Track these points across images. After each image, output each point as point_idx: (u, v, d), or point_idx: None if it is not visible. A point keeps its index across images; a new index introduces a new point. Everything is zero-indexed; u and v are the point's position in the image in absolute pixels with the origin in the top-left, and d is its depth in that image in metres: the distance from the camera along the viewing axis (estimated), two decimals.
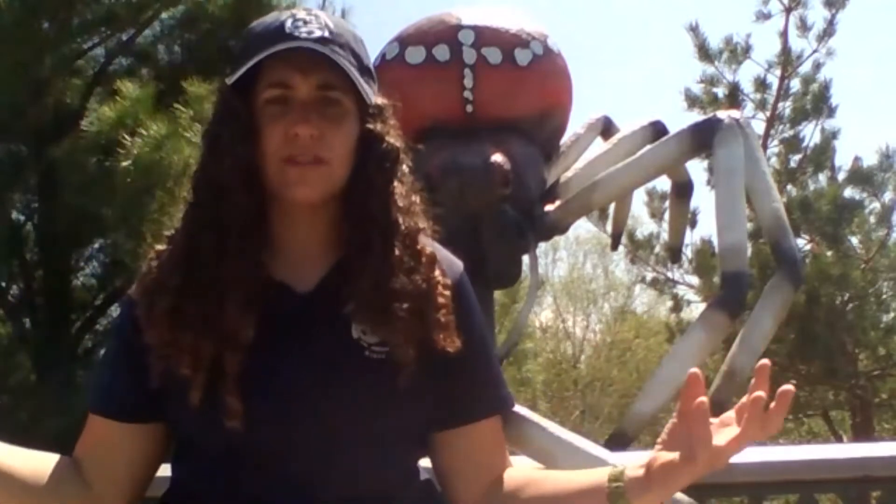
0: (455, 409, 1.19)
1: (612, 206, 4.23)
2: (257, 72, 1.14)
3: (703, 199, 10.18)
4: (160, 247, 1.19)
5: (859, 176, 8.89)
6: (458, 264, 1.26)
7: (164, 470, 1.19)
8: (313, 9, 1.20)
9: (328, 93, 1.14)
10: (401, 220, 1.18)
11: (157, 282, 1.14)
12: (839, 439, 10.07)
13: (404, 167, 1.23)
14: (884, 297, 8.72)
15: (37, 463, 1.14)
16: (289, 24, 1.14)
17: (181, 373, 1.08)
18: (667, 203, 6.84)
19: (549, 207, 2.92)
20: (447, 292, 1.18)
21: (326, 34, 1.14)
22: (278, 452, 1.09)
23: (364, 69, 1.18)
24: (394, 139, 1.22)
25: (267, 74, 1.14)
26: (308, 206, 1.16)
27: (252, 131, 1.13)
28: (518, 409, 1.93)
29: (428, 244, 1.21)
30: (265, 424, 1.07)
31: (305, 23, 1.14)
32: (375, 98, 1.21)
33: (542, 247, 7.10)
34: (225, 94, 1.17)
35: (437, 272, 1.19)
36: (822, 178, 9.28)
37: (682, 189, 3.60)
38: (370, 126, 1.19)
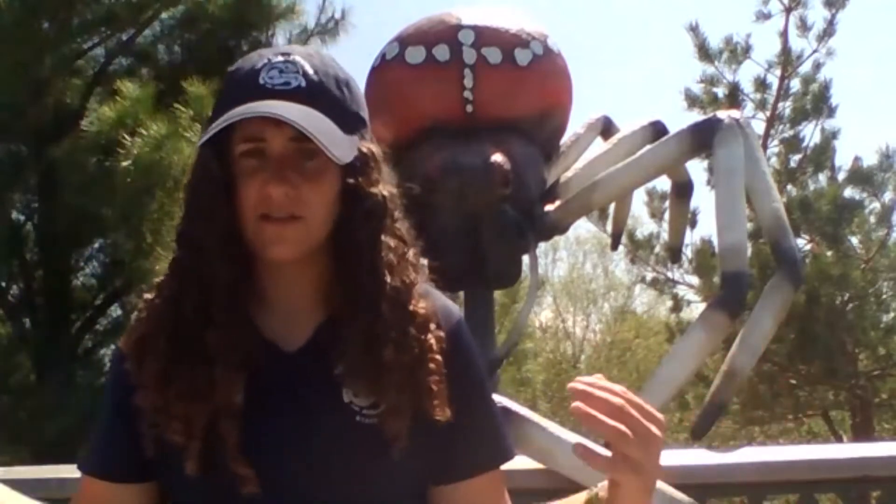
0: (453, 464, 1.14)
1: (612, 206, 4.23)
2: (230, 125, 1.07)
3: (703, 199, 10.17)
4: (149, 296, 1.15)
5: (859, 176, 8.88)
6: (455, 313, 1.20)
7: None
8: (294, 51, 1.11)
9: (304, 145, 1.05)
10: (389, 281, 1.11)
11: (145, 340, 1.10)
12: (839, 439, 10.07)
13: (395, 215, 1.16)
14: (884, 297, 8.71)
15: None
16: (263, 75, 1.07)
17: (174, 440, 1.04)
18: (667, 203, 6.84)
19: (549, 207, 2.92)
20: (438, 357, 1.11)
21: (303, 84, 1.07)
22: None
23: (349, 116, 1.11)
24: (380, 190, 1.14)
25: (241, 127, 1.07)
26: (289, 263, 1.11)
27: (229, 189, 1.08)
28: (518, 409, 1.94)
29: (422, 295, 1.15)
30: (272, 492, 1.04)
31: (281, 72, 1.07)
32: (363, 145, 1.13)
33: (542, 247, 7.10)
34: (200, 155, 1.12)
35: (429, 335, 1.12)
36: (822, 178, 9.27)
37: (682, 189, 3.60)
38: (351, 181, 1.11)
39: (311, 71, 1.09)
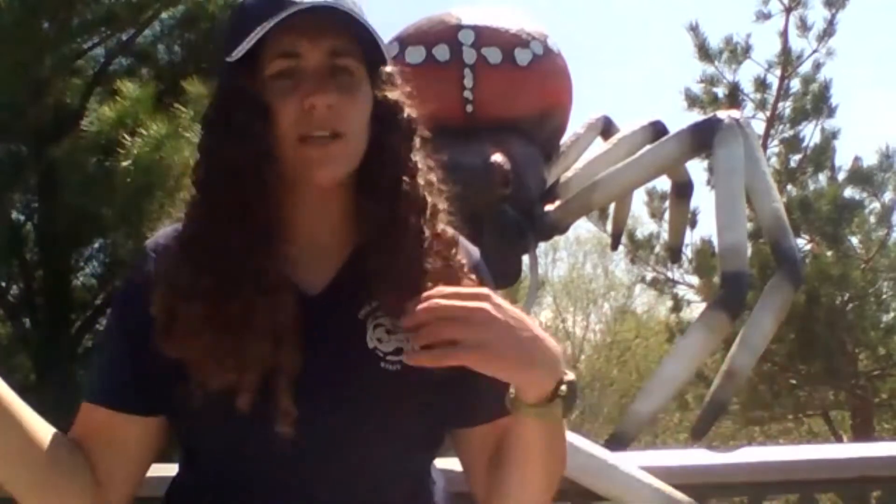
0: (477, 407, 1.12)
1: (612, 206, 4.23)
2: (258, 48, 1.03)
3: (703, 199, 10.18)
4: (153, 242, 1.10)
5: (859, 176, 8.89)
6: (476, 251, 1.20)
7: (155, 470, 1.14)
8: None
9: (339, 60, 1.04)
10: (427, 197, 1.10)
11: (177, 285, 1.03)
12: (839, 439, 10.07)
13: (418, 141, 1.13)
14: (884, 297, 8.71)
15: (53, 448, 1.02)
16: None
17: (225, 378, 0.99)
18: (667, 203, 6.84)
19: (549, 207, 2.92)
20: (473, 276, 1.12)
21: (330, 0, 1.04)
22: (319, 457, 1.04)
23: (375, 34, 1.07)
24: (410, 109, 1.13)
25: (271, 46, 1.03)
26: (328, 188, 1.07)
27: (264, 111, 1.03)
28: None
29: (447, 226, 1.14)
30: (307, 428, 1.01)
31: None
32: (388, 65, 1.12)
33: (542, 247, 7.10)
34: (230, 73, 1.06)
35: (460, 255, 1.13)
36: (822, 178, 9.28)
37: (682, 189, 3.60)
38: (387, 94, 1.10)
39: None
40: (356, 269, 1.08)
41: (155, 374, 1.04)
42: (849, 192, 8.89)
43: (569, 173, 3.16)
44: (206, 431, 1.06)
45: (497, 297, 0.98)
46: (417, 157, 1.12)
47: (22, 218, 7.36)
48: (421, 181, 1.11)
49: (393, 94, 1.11)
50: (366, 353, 1.06)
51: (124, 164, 5.21)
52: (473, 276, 1.13)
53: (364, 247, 1.09)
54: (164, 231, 1.14)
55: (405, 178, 1.09)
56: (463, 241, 1.18)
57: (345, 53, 1.05)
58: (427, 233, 1.09)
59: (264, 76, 1.05)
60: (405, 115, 1.12)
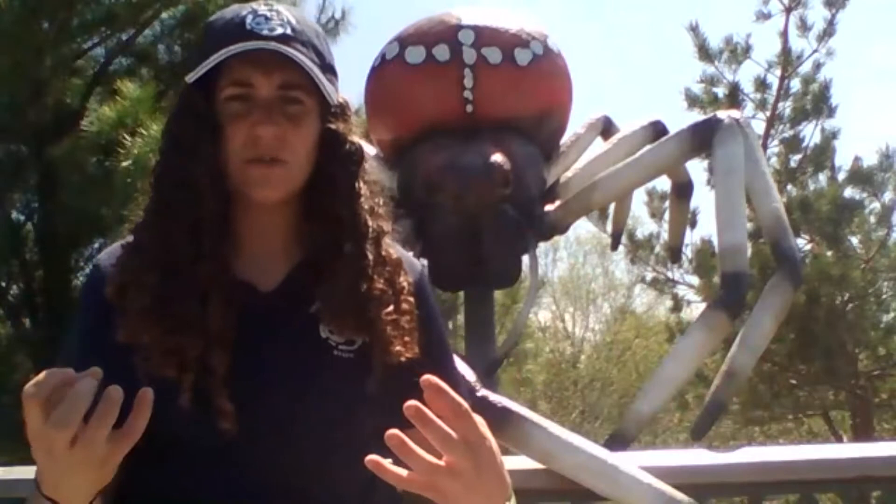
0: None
1: (612, 206, 4.23)
2: (218, 68, 1.12)
3: (703, 199, 10.18)
4: (123, 241, 1.17)
5: (859, 176, 8.89)
6: (417, 264, 1.27)
7: None
8: (274, 3, 1.17)
9: (290, 92, 1.13)
10: (368, 222, 1.18)
11: (134, 277, 1.11)
12: (839, 439, 10.07)
13: (366, 167, 1.22)
14: (884, 297, 8.72)
15: None
16: (249, 20, 1.12)
17: (165, 375, 1.04)
18: (667, 203, 6.84)
19: (549, 207, 2.92)
20: (411, 298, 1.19)
21: (289, 31, 1.13)
22: (266, 453, 1.07)
23: (326, 66, 1.17)
24: (356, 138, 1.21)
25: (228, 72, 1.13)
26: (270, 205, 1.15)
27: (215, 130, 1.13)
28: (518, 408, 1.94)
29: (391, 246, 1.21)
30: (254, 425, 1.06)
31: (267, 19, 1.13)
32: (337, 97, 1.20)
33: (542, 247, 7.10)
34: (187, 93, 1.16)
35: (402, 277, 1.19)
36: (822, 178, 9.28)
37: (682, 189, 3.60)
38: (332, 126, 1.18)
39: (293, 21, 1.15)
40: (306, 272, 1.16)
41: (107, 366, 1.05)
42: (849, 192, 8.90)
43: (569, 173, 3.16)
44: (152, 428, 1.05)
45: (480, 420, 0.97)
46: (361, 184, 1.20)
47: (22, 218, 7.36)
48: (365, 206, 1.19)
49: (339, 126, 1.19)
50: (319, 342, 1.12)
51: (124, 164, 5.21)
52: (412, 299, 1.18)
53: (310, 258, 1.17)
54: (113, 247, 1.21)
55: (347, 205, 1.17)
56: (406, 256, 1.25)
57: (295, 87, 1.13)
58: (370, 257, 1.16)
59: (220, 97, 1.14)
60: (350, 145, 1.19)
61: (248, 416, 1.05)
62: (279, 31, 1.12)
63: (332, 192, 1.17)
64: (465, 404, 0.94)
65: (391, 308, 1.15)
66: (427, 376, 0.93)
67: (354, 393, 1.12)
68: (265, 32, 1.11)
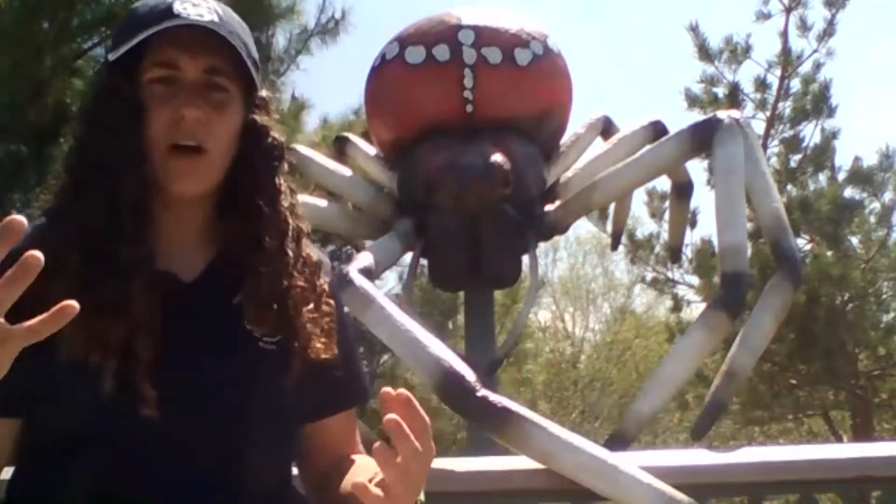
0: (325, 401, 1.21)
1: (612, 206, 4.23)
2: (141, 52, 1.10)
3: (703, 199, 10.17)
4: (37, 222, 1.12)
5: (859, 176, 8.88)
6: (328, 264, 1.26)
7: None
8: None
9: (215, 77, 1.12)
10: (290, 220, 1.17)
11: (54, 260, 1.01)
12: (839, 439, 10.07)
13: (285, 165, 1.20)
14: (884, 297, 8.71)
15: None
16: (177, 4, 1.11)
17: (88, 359, 1.01)
18: (667, 203, 6.84)
19: (549, 207, 2.92)
20: (331, 301, 1.19)
21: (216, 19, 1.11)
22: (188, 441, 1.06)
23: (252, 58, 1.15)
24: (278, 134, 1.20)
25: (153, 54, 1.10)
26: (190, 198, 1.13)
27: (138, 112, 1.10)
28: (518, 408, 1.94)
29: (309, 247, 1.21)
30: (176, 412, 1.04)
31: (194, 5, 1.11)
32: (261, 90, 1.19)
33: (542, 247, 7.10)
34: (108, 73, 1.13)
35: (322, 279, 1.19)
36: (822, 178, 9.27)
37: (682, 189, 3.60)
38: (256, 117, 1.17)
39: (220, 11, 1.13)
40: (226, 264, 1.14)
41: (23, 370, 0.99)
42: (849, 192, 8.89)
43: (569, 173, 3.16)
44: (73, 414, 1.05)
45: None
46: (282, 181, 1.18)
47: None
48: (285, 203, 1.17)
49: (263, 119, 1.18)
50: (244, 333, 1.12)
51: None
52: (332, 301, 1.20)
53: (228, 250, 1.15)
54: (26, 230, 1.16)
55: (269, 200, 1.16)
56: (325, 262, 1.24)
57: (221, 72, 1.12)
58: (291, 254, 1.15)
59: (142, 79, 1.11)
60: (272, 139, 1.18)
61: (173, 405, 1.03)
62: (207, 17, 1.11)
63: (253, 185, 1.15)
64: (428, 421, 0.96)
65: (312, 306, 1.15)
66: (406, 393, 0.95)
67: (278, 385, 1.12)
68: (193, 17, 1.10)
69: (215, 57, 1.11)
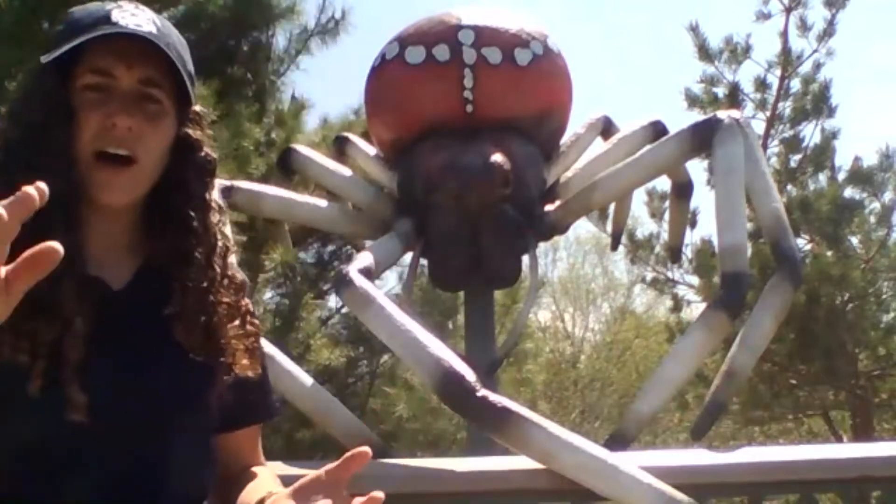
0: (238, 414, 1.22)
1: (612, 206, 4.23)
2: (76, 57, 1.09)
3: (703, 199, 10.18)
4: None
5: (859, 176, 8.87)
6: (249, 283, 1.27)
7: None
8: (140, 4, 1.15)
9: (150, 89, 1.11)
10: (218, 236, 1.17)
11: None
12: (839, 439, 10.06)
13: (216, 182, 1.21)
14: (884, 297, 8.70)
15: None
16: (115, 13, 1.10)
17: (16, 360, 1.00)
18: (667, 203, 6.84)
19: (549, 207, 2.92)
20: (256, 321, 1.20)
21: (154, 30, 1.11)
22: (112, 448, 1.05)
23: (188, 72, 1.15)
24: (210, 150, 1.19)
25: (88, 60, 1.10)
26: (117, 208, 1.13)
27: (69, 116, 1.09)
28: (518, 409, 1.94)
29: (234, 267, 1.21)
30: (102, 418, 1.03)
31: (133, 15, 1.11)
32: (195, 105, 1.18)
33: (542, 247, 7.09)
34: (40, 73, 1.12)
35: (245, 300, 1.20)
36: (822, 178, 9.26)
37: (682, 189, 3.60)
38: (189, 131, 1.17)
39: (159, 23, 1.13)
40: (154, 275, 1.14)
41: None
42: (849, 192, 8.87)
43: (569, 173, 3.16)
44: (20, 416, 1.04)
45: None
46: (212, 197, 1.19)
47: None
48: (214, 219, 1.18)
49: (195, 133, 1.18)
50: (171, 343, 1.12)
51: None
52: (257, 322, 1.21)
53: (155, 261, 1.15)
54: None
55: (199, 213, 1.16)
56: (247, 282, 1.25)
57: (156, 84, 1.11)
58: (218, 270, 1.16)
59: (76, 85, 1.10)
60: (204, 154, 1.18)
61: (99, 411, 1.02)
62: (146, 28, 1.10)
63: (184, 199, 1.15)
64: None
65: (237, 323, 1.16)
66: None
67: (204, 396, 1.13)
68: (131, 27, 1.09)
69: (151, 68, 1.11)
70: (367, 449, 1.00)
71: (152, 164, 1.12)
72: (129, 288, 1.13)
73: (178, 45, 1.14)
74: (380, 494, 0.97)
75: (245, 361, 1.17)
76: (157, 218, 1.16)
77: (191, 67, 1.16)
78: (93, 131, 1.09)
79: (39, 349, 1.01)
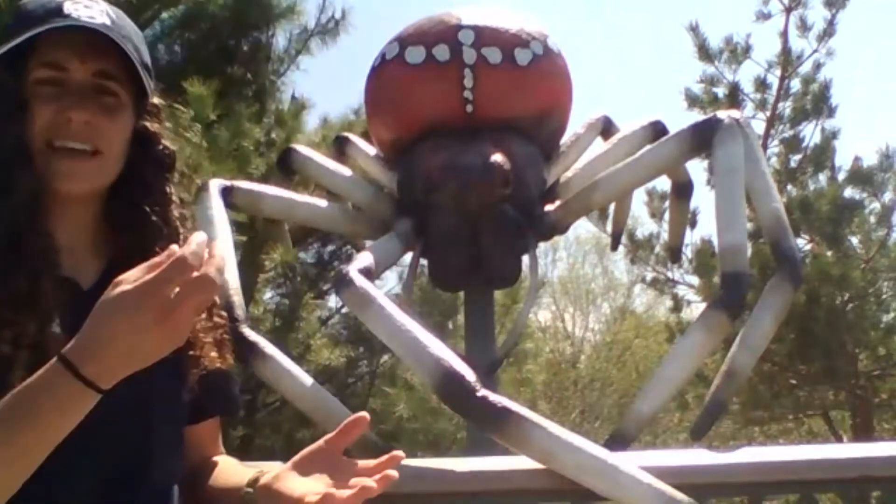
0: (203, 407, 1.25)
1: (612, 206, 4.23)
2: (29, 50, 1.08)
3: (703, 199, 10.18)
4: None
5: (859, 176, 8.87)
6: None
7: None
8: None
9: (105, 82, 1.10)
10: (181, 230, 1.17)
11: None
12: (839, 439, 10.06)
13: (175, 175, 1.20)
14: (884, 297, 8.70)
15: None
16: (68, 5, 1.08)
17: (1, 350, 1.01)
18: (667, 203, 6.84)
19: (549, 207, 2.92)
20: (224, 313, 1.21)
21: (108, 22, 1.09)
22: (92, 440, 1.04)
23: (144, 65, 1.14)
24: (170, 142, 1.19)
25: (40, 54, 1.08)
26: (78, 198, 1.12)
27: (22, 109, 1.07)
28: (518, 408, 1.94)
29: None
30: (90, 413, 1.02)
31: (87, 7, 1.09)
32: (153, 97, 1.18)
33: (542, 247, 7.08)
34: None
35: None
36: (822, 178, 9.26)
37: (682, 189, 3.60)
38: (147, 124, 1.16)
39: (113, 15, 1.12)
40: (118, 270, 1.12)
41: None
42: (849, 192, 8.88)
43: (569, 173, 3.15)
44: None
45: None
46: (172, 190, 1.19)
47: None
48: (176, 213, 1.18)
49: (154, 126, 1.17)
50: None
51: None
52: (225, 314, 1.22)
53: (121, 257, 1.13)
54: None
55: (160, 207, 1.16)
56: None
57: (111, 77, 1.10)
58: None
59: (29, 79, 1.09)
60: (162, 146, 1.18)
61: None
62: (99, 20, 1.08)
63: (144, 192, 1.15)
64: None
65: (204, 317, 1.15)
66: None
67: (177, 390, 1.15)
68: (84, 19, 1.07)
69: (105, 61, 1.09)
70: (364, 414, 1.01)
71: (116, 155, 1.12)
72: (96, 287, 1.12)
73: (134, 36, 1.13)
74: (400, 453, 0.99)
75: (213, 354, 1.17)
76: (118, 214, 1.15)
77: (147, 59, 1.15)
78: (44, 124, 1.08)
79: (23, 339, 1.01)
